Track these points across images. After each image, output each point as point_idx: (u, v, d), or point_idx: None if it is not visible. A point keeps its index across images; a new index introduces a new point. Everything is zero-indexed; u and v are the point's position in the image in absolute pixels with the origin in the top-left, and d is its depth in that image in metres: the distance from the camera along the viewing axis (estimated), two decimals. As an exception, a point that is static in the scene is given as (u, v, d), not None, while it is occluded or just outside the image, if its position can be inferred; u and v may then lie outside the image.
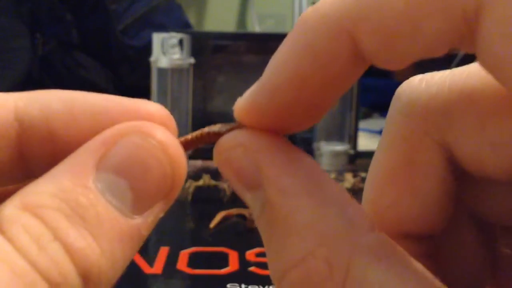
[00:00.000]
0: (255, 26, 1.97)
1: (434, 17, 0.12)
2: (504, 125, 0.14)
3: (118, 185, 0.13)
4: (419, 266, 0.12)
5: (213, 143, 0.15)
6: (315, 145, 0.86)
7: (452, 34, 0.12)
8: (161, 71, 0.81)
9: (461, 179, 0.16)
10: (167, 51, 0.80)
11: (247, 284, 0.42)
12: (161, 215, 0.14)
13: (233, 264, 0.46)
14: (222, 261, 0.47)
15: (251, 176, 0.14)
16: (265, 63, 0.17)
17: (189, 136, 0.15)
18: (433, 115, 0.15)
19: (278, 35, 0.99)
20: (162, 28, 1.08)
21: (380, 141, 0.16)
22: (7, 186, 0.15)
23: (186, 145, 0.15)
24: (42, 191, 0.13)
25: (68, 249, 0.12)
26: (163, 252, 0.48)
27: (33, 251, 0.12)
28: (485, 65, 0.12)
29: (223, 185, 0.65)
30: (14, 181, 0.15)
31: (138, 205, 0.13)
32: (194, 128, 0.95)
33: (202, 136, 0.15)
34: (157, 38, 0.80)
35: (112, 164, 0.13)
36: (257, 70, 0.17)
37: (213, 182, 0.67)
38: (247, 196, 0.15)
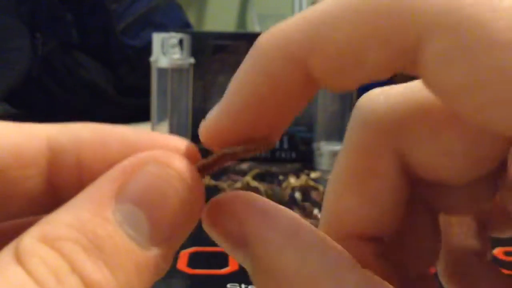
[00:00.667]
0: (255, 26, 1.97)
1: (374, 51, 0.13)
2: (455, 135, 0.15)
3: (136, 216, 0.13)
4: None
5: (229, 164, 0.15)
6: (315, 145, 0.86)
7: (393, 64, 0.13)
8: (161, 71, 0.81)
9: (416, 182, 0.17)
10: (167, 51, 0.80)
11: (247, 284, 0.42)
12: (179, 245, 0.14)
13: (233, 264, 0.46)
14: (222, 261, 0.47)
15: (237, 235, 0.15)
16: None
17: (205, 161, 0.15)
18: (389, 126, 0.16)
19: (278, 35, 0.99)
20: (162, 28, 1.08)
21: (341, 149, 0.17)
22: (38, 214, 0.15)
23: (204, 170, 0.15)
24: (61, 221, 0.13)
25: (85, 282, 0.12)
26: (163, 252, 0.48)
27: (51, 284, 0.12)
28: (428, 88, 0.13)
29: (223, 185, 0.65)
30: (44, 209, 0.15)
31: (155, 236, 0.13)
32: (194, 128, 0.94)
33: (219, 159, 0.15)
34: (157, 38, 0.80)
35: (130, 194, 0.13)
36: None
37: (213, 182, 0.68)
38: (238, 255, 0.15)
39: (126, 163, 0.14)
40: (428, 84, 0.13)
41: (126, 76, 1.28)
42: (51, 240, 0.12)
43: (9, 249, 0.12)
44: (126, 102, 1.29)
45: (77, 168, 0.15)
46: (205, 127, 0.15)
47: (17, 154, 0.14)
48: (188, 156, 0.15)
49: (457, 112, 0.12)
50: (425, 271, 0.18)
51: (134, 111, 1.27)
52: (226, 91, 0.15)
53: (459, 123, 0.15)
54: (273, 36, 0.15)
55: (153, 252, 0.13)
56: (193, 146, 0.16)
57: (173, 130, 0.85)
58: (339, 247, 0.14)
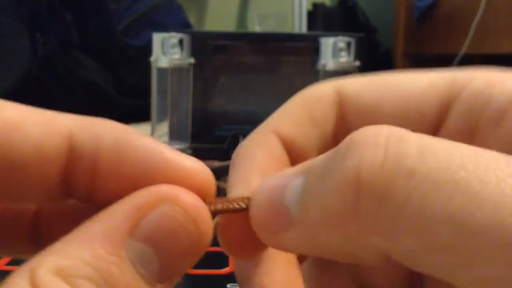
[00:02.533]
0: (255, 26, 1.97)
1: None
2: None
3: (147, 255, 0.14)
4: None
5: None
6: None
7: None
8: (161, 71, 0.81)
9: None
10: (167, 51, 0.80)
11: (247, 284, 0.42)
12: (180, 278, 0.15)
13: (233, 264, 0.46)
14: (222, 261, 0.47)
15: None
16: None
17: (218, 205, 0.16)
18: None
19: (278, 35, 0.99)
20: (162, 28, 1.08)
21: None
22: (49, 203, 0.16)
23: (213, 212, 0.16)
24: (77, 256, 0.13)
25: None
26: (163, 252, 0.48)
27: None
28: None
29: (223, 185, 0.65)
30: (55, 200, 0.15)
31: (163, 274, 0.14)
32: (194, 128, 0.94)
33: (229, 209, 0.16)
34: (157, 38, 0.80)
35: (143, 233, 0.14)
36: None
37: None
38: None
39: (141, 199, 0.14)
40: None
41: (126, 76, 1.28)
42: (67, 276, 0.12)
43: (23, 276, 0.12)
44: (126, 102, 1.29)
45: (92, 172, 0.15)
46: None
47: (39, 151, 0.14)
48: (203, 186, 0.15)
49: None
50: None
51: (134, 111, 1.27)
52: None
53: None
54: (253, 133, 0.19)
55: (159, 287, 0.14)
56: (209, 174, 0.16)
57: (173, 130, 0.85)
58: None
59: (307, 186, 0.14)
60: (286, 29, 2.03)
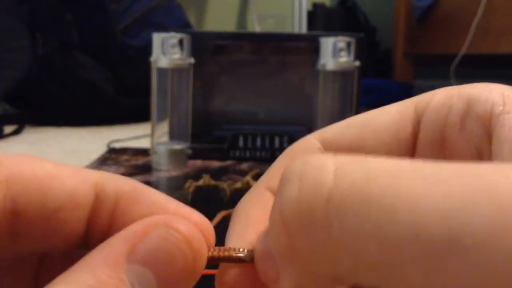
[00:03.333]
0: (255, 26, 1.97)
1: None
2: None
3: (146, 276, 0.14)
4: None
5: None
6: (315, 145, 0.86)
7: None
8: (161, 71, 0.81)
9: None
10: (167, 51, 0.80)
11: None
12: None
13: None
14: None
15: None
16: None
17: (215, 252, 0.17)
18: None
19: (278, 35, 0.99)
20: (162, 28, 1.08)
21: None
22: (70, 250, 0.17)
23: (212, 258, 0.17)
24: (82, 283, 0.14)
25: None
26: (163, 252, 0.48)
27: None
28: None
29: (223, 185, 0.65)
30: (77, 247, 0.17)
31: None
32: (194, 128, 0.94)
33: (225, 258, 0.17)
34: (157, 38, 0.80)
35: (141, 256, 0.14)
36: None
37: (213, 182, 0.67)
38: None
39: (138, 226, 0.15)
40: None
41: (126, 76, 1.28)
42: None
43: None
44: (126, 102, 1.29)
45: (111, 217, 0.16)
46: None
47: (71, 195, 0.16)
48: (204, 236, 0.16)
49: None
50: None
51: (134, 111, 1.27)
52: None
53: None
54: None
55: None
56: (210, 225, 0.17)
57: (173, 130, 0.85)
58: None
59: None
60: (286, 29, 2.03)
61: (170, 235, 0.15)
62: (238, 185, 0.65)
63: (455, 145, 0.18)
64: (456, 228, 0.10)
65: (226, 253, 0.17)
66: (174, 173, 0.79)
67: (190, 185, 0.66)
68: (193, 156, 0.84)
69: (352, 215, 0.12)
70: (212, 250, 0.17)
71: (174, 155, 0.81)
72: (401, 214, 0.11)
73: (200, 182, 0.67)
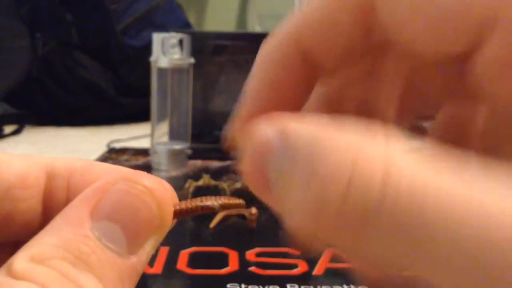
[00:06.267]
0: (255, 26, 1.97)
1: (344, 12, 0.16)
2: None
3: (112, 230, 0.14)
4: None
5: (205, 214, 0.17)
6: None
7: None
8: (161, 71, 0.81)
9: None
10: (167, 51, 0.80)
11: (247, 284, 0.42)
12: (153, 251, 0.15)
13: (233, 264, 0.46)
14: (222, 261, 0.47)
15: None
16: None
17: (183, 205, 0.17)
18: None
19: (278, 35, 0.99)
20: (162, 28, 1.08)
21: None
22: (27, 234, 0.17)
23: (179, 213, 0.17)
24: (46, 243, 0.14)
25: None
26: (163, 252, 0.48)
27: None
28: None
29: (223, 185, 0.65)
30: (37, 229, 0.17)
31: (132, 246, 0.15)
32: (194, 128, 0.93)
33: (196, 209, 0.17)
34: (157, 38, 0.80)
35: (104, 211, 0.15)
36: (263, 47, 0.18)
37: (213, 182, 0.67)
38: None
39: (97, 184, 0.15)
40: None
41: (126, 76, 1.28)
42: (41, 260, 0.13)
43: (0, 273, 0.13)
44: (126, 102, 1.29)
45: (67, 191, 0.17)
46: (240, 115, 0.18)
47: (21, 176, 0.17)
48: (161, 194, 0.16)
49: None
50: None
51: (134, 111, 1.27)
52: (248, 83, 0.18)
53: None
54: (274, 36, 0.17)
55: (132, 260, 0.15)
56: (166, 183, 0.17)
57: (173, 130, 0.85)
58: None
59: (287, 173, 0.13)
60: (286, 29, 2.03)
61: (131, 187, 0.15)
62: (238, 185, 0.65)
63: None
64: None
65: (193, 204, 0.17)
66: (174, 173, 0.79)
67: (190, 185, 0.66)
68: (193, 156, 0.84)
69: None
70: (178, 204, 0.17)
71: (174, 155, 0.81)
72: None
73: (200, 182, 0.67)
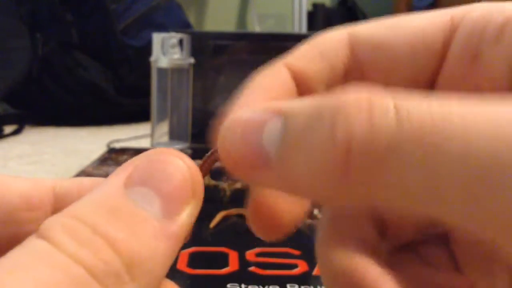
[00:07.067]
0: (255, 26, 1.97)
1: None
2: None
3: (146, 194, 0.14)
4: None
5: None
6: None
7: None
8: (161, 71, 0.81)
9: None
10: (167, 51, 0.80)
11: (247, 284, 0.42)
12: (192, 219, 0.15)
13: (233, 264, 0.46)
14: (222, 261, 0.47)
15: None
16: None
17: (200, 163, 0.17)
18: None
19: (278, 35, 0.99)
20: (162, 28, 1.08)
21: None
22: None
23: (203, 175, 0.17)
24: (84, 205, 0.13)
25: (109, 241, 0.13)
26: (163, 252, 0.48)
27: (71, 246, 0.12)
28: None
29: (223, 185, 0.65)
30: None
31: (167, 210, 0.14)
32: (194, 128, 0.94)
33: (209, 159, 0.17)
34: (157, 38, 0.80)
35: (138, 178, 0.14)
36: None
37: (213, 182, 0.67)
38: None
39: (125, 163, 0.15)
40: None
41: (126, 76, 1.28)
42: (71, 215, 0.13)
43: (32, 236, 0.13)
44: (126, 102, 1.29)
45: None
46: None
47: (25, 197, 0.17)
48: None
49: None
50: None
51: (134, 111, 1.27)
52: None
53: None
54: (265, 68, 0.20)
55: (169, 224, 0.14)
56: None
57: (173, 130, 0.85)
58: None
59: (289, 134, 0.14)
60: (286, 29, 2.03)
61: (163, 156, 0.15)
62: (238, 185, 0.65)
63: (488, 57, 0.17)
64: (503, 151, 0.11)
65: (203, 160, 0.17)
66: (174, 173, 0.79)
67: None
68: (193, 156, 0.84)
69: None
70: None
71: (174, 155, 0.81)
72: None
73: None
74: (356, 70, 0.19)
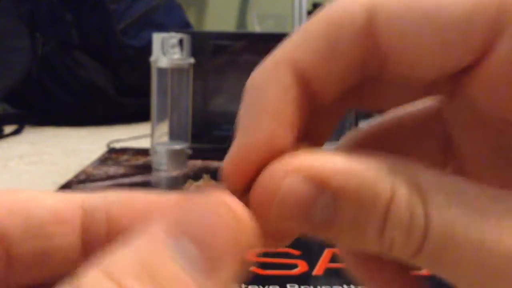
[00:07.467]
0: (255, 26, 1.97)
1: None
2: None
3: (189, 250, 0.13)
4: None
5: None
6: (315, 145, 0.86)
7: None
8: (161, 71, 0.81)
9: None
10: (167, 51, 0.80)
11: (247, 284, 0.42)
12: (233, 279, 0.14)
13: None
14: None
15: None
16: None
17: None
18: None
19: (278, 35, 0.99)
20: (162, 28, 1.08)
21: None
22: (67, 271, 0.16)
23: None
24: (121, 259, 0.13)
25: None
26: (163, 252, 0.48)
27: None
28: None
29: (223, 185, 0.65)
30: (76, 266, 0.15)
31: (207, 269, 0.13)
32: (194, 128, 0.93)
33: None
34: (157, 38, 0.80)
35: (183, 230, 0.13)
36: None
37: (213, 182, 0.67)
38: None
39: (170, 207, 0.15)
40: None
41: (126, 76, 1.28)
42: (114, 276, 0.12)
43: (69, 283, 0.12)
44: (126, 102, 1.29)
45: (107, 224, 0.17)
46: (228, 161, 0.18)
47: (54, 211, 0.17)
48: None
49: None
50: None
51: (134, 111, 1.27)
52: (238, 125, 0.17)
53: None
54: (267, 61, 0.17)
55: (207, 284, 0.13)
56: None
57: (173, 130, 0.85)
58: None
59: (339, 214, 0.15)
60: (286, 29, 2.03)
61: (208, 204, 0.14)
62: (238, 185, 0.65)
63: None
64: None
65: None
66: (174, 173, 0.79)
67: (190, 185, 0.66)
68: (193, 156, 0.84)
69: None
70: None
71: (174, 155, 0.81)
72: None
73: (200, 182, 0.67)
74: (374, 62, 0.16)
